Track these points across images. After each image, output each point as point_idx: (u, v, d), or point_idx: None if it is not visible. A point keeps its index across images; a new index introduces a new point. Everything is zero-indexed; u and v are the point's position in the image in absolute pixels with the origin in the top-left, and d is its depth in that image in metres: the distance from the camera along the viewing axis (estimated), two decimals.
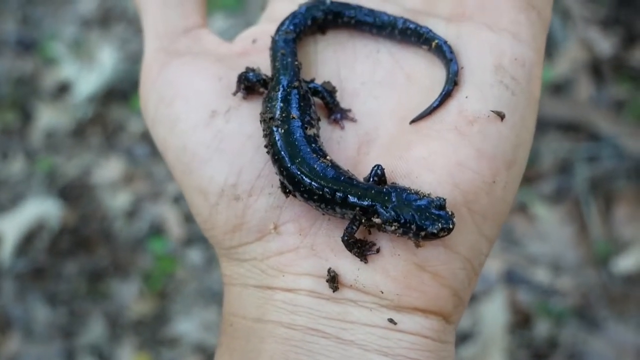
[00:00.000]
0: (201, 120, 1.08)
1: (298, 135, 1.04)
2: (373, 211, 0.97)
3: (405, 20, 1.09)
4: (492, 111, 0.99)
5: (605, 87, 3.08)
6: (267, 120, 1.06)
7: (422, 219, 0.93)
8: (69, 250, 2.88)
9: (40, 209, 2.91)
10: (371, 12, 1.12)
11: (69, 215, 2.93)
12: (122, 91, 3.24)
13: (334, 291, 0.97)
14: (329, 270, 0.97)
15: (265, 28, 1.16)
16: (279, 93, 1.07)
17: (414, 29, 1.08)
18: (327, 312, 0.97)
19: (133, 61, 3.33)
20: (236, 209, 1.04)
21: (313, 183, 0.99)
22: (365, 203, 0.97)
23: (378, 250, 0.98)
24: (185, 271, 2.82)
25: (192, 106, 1.09)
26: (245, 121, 1.09)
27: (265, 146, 1.04)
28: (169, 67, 1.13)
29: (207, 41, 1.17)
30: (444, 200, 0.94)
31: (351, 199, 0.98)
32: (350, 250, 0.98)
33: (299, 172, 1.00)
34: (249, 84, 1.09)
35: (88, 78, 3.25)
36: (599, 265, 2.65)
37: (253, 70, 1.09)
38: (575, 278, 2.62)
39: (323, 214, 1.02)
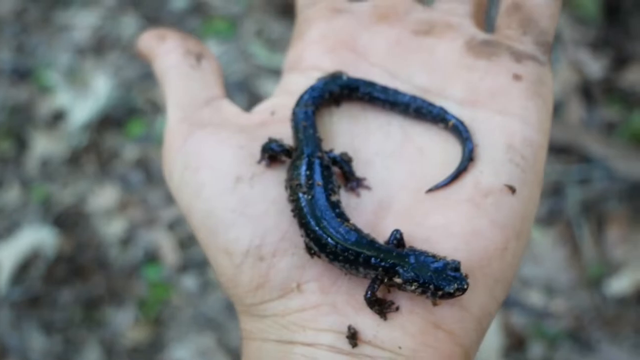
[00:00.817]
0: (226, 186, 1.14)
1: (323, 201, 1.13)
2: (394, 272, 1.05)
3: (420, 100, 1.18)
4: (505, 185, 1.09)
5: (596, 109, 3.10)
6: (293, 187, 1.14)
7: (440, 280, 1.01)
8: (64, 278, 2.88)
9: (36, 237, 2.92)
10: (385, 89, 1.21)
11: (64, 243, 2.93)
12: (117, 118, 3.26)
13: (353, 347, 1.01)
14: (349, 327, 1.02)
15: (282, 101, 1.24)
16: (304, 162, 1.16)
17: (429, 109, 1.17)
18: None
19: (127, 88, 3.35)
20: (260, 269, 1.09)
21: (339, 245, 1.07)
22: (387, 264, 1.05)
23: (397, 309, 1.04)
24: (180, 297, 2.82)
25: (218, 173, 1.16)
26: (269, 187, 1.16)
27: (292, 210, 1.12)
28: (193, 137, 1.20)
29: (227, 111, 1.24)
30: (459, 262, 1.02)
31: (374, 260, 1.06)
32: (371, 308, 1.04)
33: (325, 235, 1.08)
34: (273, 154, 1.17)
35: (83, 106, 3.26)
36: (592, 287, 2.65)
37: (276, 141, 1.17)
38: (568, 300, 2.63)
39: (345, 274, 1.09)
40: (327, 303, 1.06)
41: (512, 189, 1.08)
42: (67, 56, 3.51)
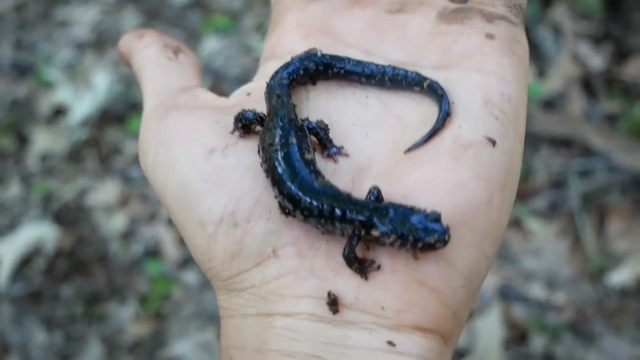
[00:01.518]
0: (200, 157, 1.12)
1: (297, 158, 1.09)
2: (371, 225, 1.00)
3: (394, 68, 1.17)
4: (485, 137, 1.05)
5: (597, 101, 3.10)
6: (266, 147, 1.10)
7: (419, 231, 0.97)
8: (65, 274, 2.88)
9: (37, 232, 2.92)
10: (359, 62, 1.20)
11: (65, 239, 2.93)
12: (117, 114, 3.26)
13: (334, 314, 0.98)
14: (329, 293, 0.98)
15: (258, 84, 1.23)
16: (277, 123, 1.13)
17: (404, 74, 1.16)
18: (327, 337, 0.97)
19: (127, 84, 3.34)
20: (235, 236, 1.06)
21: (313, 201, 1.03)
22: (364, 217, 1.01)
23: (378, 267, 1.01)
24: (181, 292, 2.82)
25: (191, 147, 1.14)
26: (243, 155, 1.13)
27: (265, 171, 1.08)
28: (169, 117, 1.19)
29: (203, 97, 1.24)
30: (440, 214, 0.98)
31: (349, 214, 1.01)
32: (350, 267, 1.00)
33: (299, 191, 1.04)
34: (246, 122, 1.15)
35: (83, 101, 3.26)
36: (594, 280, 2.65)
37: (249, 110, 1.15)
38: (570, 292, 2.63)
39: (322, 234, 1.05)
40: (305, 267, 1.02)
41: (493, 141, 1.04)
42: (66, 51, 3.51)
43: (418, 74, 1.15)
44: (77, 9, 3.63)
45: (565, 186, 2.85)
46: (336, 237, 1.05)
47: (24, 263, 2.88)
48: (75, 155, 3.16)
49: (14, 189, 3.08)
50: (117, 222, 2.97)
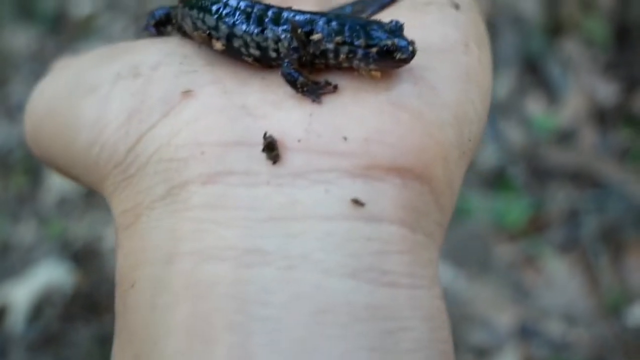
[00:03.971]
0: (98, 52, 0.90)
1: None
2: (311, 29, 0.76)
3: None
4: None
5: (609, 134, 3.10)
6: None
7: (372, 35, 0.74)
8: (81, 315, 2.89)
9: (52, 274, 2.93)
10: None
11: (81, 280, 2.94)
12: None
13: (274, 163, 0.68)
14: (264, 136, 0.69)
15: None
16: None
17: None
18: (267, 210, 0.66)
19: None
20: (135, 87, 0.77)
21: (240, 5, 0.78)
22: (303, 17, 0.77)
23: (336, 88, 0.73)
24: None
25: (89, 56, 0.91)
26: (152, 38, 0.91)
27: (182, 5, 0.86)
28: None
29: None
30: (402, 24, 0.75)
31: (286, 13, 0.77)
32: (295, 87, 0.73)
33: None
34: (161, 18, 0.94)
35: None
36: (612, 316, 2.63)
37: (162, 7, 0.95)
38: (588, 329, 2.60)
39: (253, 61, 0.79)
40: (234, 104, 0.72)
41: (455, 4, 0.84)
42: None
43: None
44: (98, 47, 3.69)
45: (579, 220, 2.85)
46: (274, 73, 0.78)
47: (39, 305, 2.89)
48: (90, 195, 3.19)
49: (30, 229, 3.10)
50: None
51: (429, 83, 0.74)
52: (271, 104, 0.72)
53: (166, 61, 0.79)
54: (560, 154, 3.01)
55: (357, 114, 0.70)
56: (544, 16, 3.37)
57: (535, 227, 2.82)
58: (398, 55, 0.72)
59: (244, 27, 0.77)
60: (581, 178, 2.96)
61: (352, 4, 0.93)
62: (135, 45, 0.84)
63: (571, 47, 3.35)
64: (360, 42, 0.73)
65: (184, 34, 0.87)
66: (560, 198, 2.89)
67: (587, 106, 3.17)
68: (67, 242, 3.05)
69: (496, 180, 2.92)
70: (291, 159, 0.68)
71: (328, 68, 0.77)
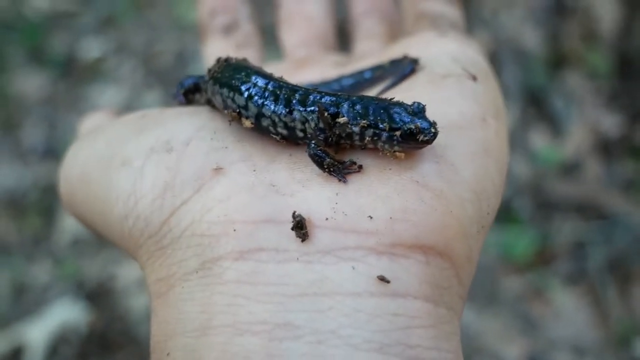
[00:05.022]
0: (130, 120, 0.93)
1: (252, 64, 0.91)
2: (337, 112, 0.79)
3: (344, 76, 1.02)
4: (464, 70, 0.90)
5: (614, 165, 3.12)
6: (214, 67, 0.92)
7: (395, 118, 0.77)
8: (96, 353, 2.91)
9: (67, 313, 2.96)
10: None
11: (95, 318, 2.97)
12: None
13: (302, 241, 0.71)
14: (293, 215, 0.72)
15: None
16: (229, 59, 0.94)
17: (361, 74, 1.01)
18: (297, 286, 0.69)
19: None
20: (168, 162, 0.81)
21: (269, 87, 0.83)
22: (329, 100, 0.81)
23: (360, 167, 0.77)
24: None
25: (121, 121, 0.95)
26: (182, 108, 0.94)
27: (213, 82, 0.89)
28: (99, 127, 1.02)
29: None
30: (423, 106, 0.79)
31: (313, 97, 0.82)
32: (321, 166, 0.77)
33: (253, 79, 0.85)
34: (190, 88, 0.99)
35: None
36: (620, 347, 2.63)
37: (191, 75, 1.00)
38: None
39: (281, 139, 0.82)
40: (263, 182, 0.76)
41: (473, 76, 0.89)
42: None
43: (374, 65, 0.99)
44: (106, 90, 3.76)
45: (586, 252, 2.86)
46: (300, 149, 0.82)
47: (55, 345, 2.92)
48: None
49: (44, 269, 3.14)
50: (145, 301, 3.01)
51: (449, 161, 0.78)
52: (299, 182, 0.76)
53: (198, 136, 0.82)
54: (565, 186, 3.03)
55: (381, 193, 0.73)
56: (546, 49, 3.42)
57: (542, 259, 2.84)
58: (421, 138, 0.76)
59: (272, 107, 0.81)
60: (587, 210, 2.98)
61: (372, 70, 0.99)
62: (167, 118, 0.88)
63: (574, 80, 3.38)
64: (385, 125, 0.77)
65: (213, 106, 0.92)
66: (566, 230, 2.91)
67: (591, 138, 3.19)
68: (81, 282, 3.08)
69: (502, 213, 2.94)
70: (319, 237, 0.71)
71: (353, 147, 0.81)
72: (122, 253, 3.15)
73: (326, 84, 1.02)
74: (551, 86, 3.34)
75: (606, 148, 3.17)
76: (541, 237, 2.85)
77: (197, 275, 0.73)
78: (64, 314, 2.96)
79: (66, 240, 3.22)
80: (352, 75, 1.01)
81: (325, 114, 0.79)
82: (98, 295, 3.05)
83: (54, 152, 3.51)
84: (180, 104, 0.98)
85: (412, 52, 0.96)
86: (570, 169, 3.12)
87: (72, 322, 2.94)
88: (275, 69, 1.12)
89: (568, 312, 2.71)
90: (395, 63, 0.96)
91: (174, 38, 3.76)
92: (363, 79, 0.99)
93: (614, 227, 2.91)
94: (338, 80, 1.02)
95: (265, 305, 0.68)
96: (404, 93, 0.86)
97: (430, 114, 0.80)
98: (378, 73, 0.98)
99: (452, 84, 0.87)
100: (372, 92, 0.97)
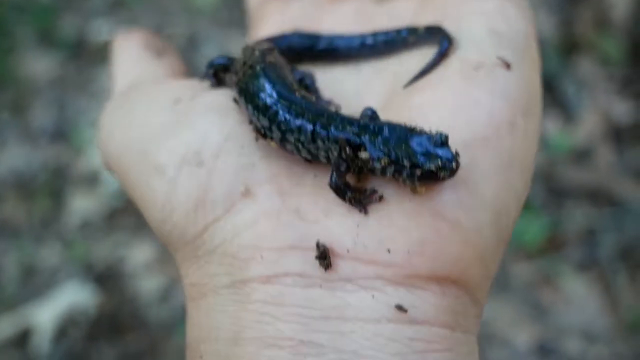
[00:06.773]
0: (163, 107, 0.96)
1: (276, 75, 0.92)
2: (359, 145, 0.81)
3: (379, 32, 1.03)
4: (499, 58, 0.89)
5: (626, 152, 3.10)
6: (241, 69, 0.94)
7: (417, 155, 0.78)
8: (104, 335, 2.92)
9: (76, 295, 2.97)
10: (343, 36, 1.05)
11: (104, 301, 2.98)
12: None
13: (326, 270, 0.77)
14: (317, 245, 0.78)
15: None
16: (255, 55, 0.97)
17: (397, 33, 1.02)
18: (320, 309, 0.75)
19: None
20: (199, 177, 0.85)
21: (292, 112, 0.85)
22: (351, 135, 0.82)
23: (381, 198, 0.80)
24: None
25: (154, 100, 0.98)
26: (213, 99, 0.96)
27: (238, 91, 0.92)
28: (136, 89, 1.05)
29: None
30: (446, 135, 0.79)
31: (334, 130, 0.83)
32: (343, 198, 0.80)
33: (277, 102, 0.87)
34: (219, 68, 1.02)
35: None
36: (631, 334, 2.63)
37: (221, 55, 1.03)
38: (607, 347, 2.60)
39: (305, 161, 0.86)
40: (288, 208, 0.81)
41: (507, 64, 0.88)
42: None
43: (410, 26, 1.00)
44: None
45: (597, 239, 2.85)
46: (325, 169, 0.85)
47: (64, 326, 2.93)
48: (113, 217, 3.23)
49: (53, 252, 3.15)
50: (155, 283, 3.01)
51: (470, 183, 0.79)
52: (322, 211, 0.80)
53: (226, 148, 0.86)
54: (577, 173, 3.02)
55: (400, 224, 0.77)
56: (558, 35, 3.39)
57: (553, 246, 2.83)
58: (441, 175, 0.77)
59: (295, 135, 0.85)
60: (598, 196, 2.97)
61: (408, 30, 1.00)
62: (197, 115, 0.91)
63: (586, 66, 3.36)
64: (406, 162, 0.78)
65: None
66: (577, 217, 2.90)
67: (603, 125, 3.18)
68: (90, 264, 3.08)
69: None
70: (341, 266, 0.76)
71: (375, 174, 0.83)
72: (131, 235, 3.16)
73: (362, 37, 1.03)
74: (563, 72, 3.32)
75: (618, 135, 3.15)
76: (552, 224, 2.84)
77: (228, 291, 0.80)
78: (72, 297, 2.97)
79: (75, 222, 3.22)
80: (386, 33, 1.02)
81: (347, 150, 0.81)
82: (107, 278, 3.06)
83: (63, 134, 3.51)
84: (211, 84, 1.01)
85: (449, 9, 0.98)
86: (582, 156, 3.10)
87: (81, 305, 2.95)
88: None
89: (578, 299, 2.70)
90: (430, 31, 0.96)
91: (184, 22, 3.75)
92: (399, 38, 1.01)
93: (625, 214, 2.89)
94: (374, 35, 1.03)
95: (291, 325, 0.74)
96: (433, 91, 0.87)
97: (455, 126, 0.82)
98: (412, 39, 0.99)
99: (482, 79, 0.87)
100: (408, 63, 0.97)
